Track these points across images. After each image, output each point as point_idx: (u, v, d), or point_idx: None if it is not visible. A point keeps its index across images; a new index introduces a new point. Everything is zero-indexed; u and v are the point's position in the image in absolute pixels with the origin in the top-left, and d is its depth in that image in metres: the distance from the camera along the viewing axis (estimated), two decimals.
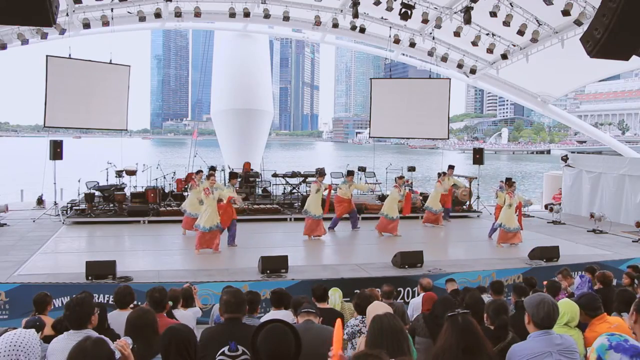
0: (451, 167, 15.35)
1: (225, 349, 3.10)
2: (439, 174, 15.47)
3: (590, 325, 4.05)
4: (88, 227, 13.49)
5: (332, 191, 13.21)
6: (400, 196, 13.04)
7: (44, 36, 15.31)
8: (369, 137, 21.29)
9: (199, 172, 12.69)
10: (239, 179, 15.44)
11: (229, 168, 17.55)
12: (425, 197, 16.33)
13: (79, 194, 15.19)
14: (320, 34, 18.98)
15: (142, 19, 15.43)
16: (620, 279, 6.89)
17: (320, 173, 13.23)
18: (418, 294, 7.15)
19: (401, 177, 13.60)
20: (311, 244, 12.11)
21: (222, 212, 10.84)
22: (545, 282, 6.25)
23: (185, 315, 5.22)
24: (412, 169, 18.43)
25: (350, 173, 13.66)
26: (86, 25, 14.99)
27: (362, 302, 4.52)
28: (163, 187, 16.01)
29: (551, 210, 15.87)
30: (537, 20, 14.75)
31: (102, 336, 2.71)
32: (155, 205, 14.80)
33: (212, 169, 14.55)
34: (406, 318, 5.78)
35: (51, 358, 3.26)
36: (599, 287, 6.09)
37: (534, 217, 16.30)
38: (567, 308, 3.88)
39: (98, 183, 15.58)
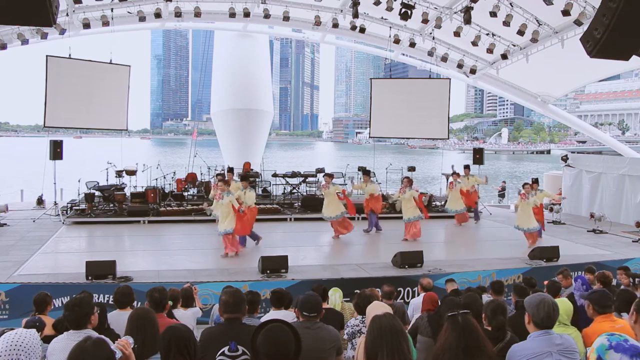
0: (467, 167, 15.45)
1: (225, 349, 3.10)
2: (452, 174, 15.42)
3: (594, 321, 3.98)
4: (88, 227, 13.49)
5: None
6: (405, 197, 12.63)
7: (44, 36, 15.31)
8: (369, 137, 21.28)
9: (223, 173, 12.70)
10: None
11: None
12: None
13: (79, 194, 15.20)
14: (320, 34, 18.98)
15: (142, 19, 15.44)
16: None
17: (329, 175, 13.24)
18: (418, 294, 7.15)
19: (406, 178, 13.33)
20: (311, 244, 12.13)
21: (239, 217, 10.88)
22: (545, 282, 6.25)
23: (185, 315, 5.22)
24: (412, 168, 18.43)
25: (366, 173, 13.77)
26: (86, 25, 15.01)
27: (362, 302, 4.52)
28: (163, 187, 16.03)
29: (551, 210, 15.85)
30: (537, 20, 14.75)
31: (102, 336, 2.71)
32: (155, 205, 14.81)
33: (230, 170, 14.58)
34: (406, 318, 5.77)
35: (51, 358, 3.26)
36: (598, 287, 6.08)
37: None
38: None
39: (98, 183, 15.59)
